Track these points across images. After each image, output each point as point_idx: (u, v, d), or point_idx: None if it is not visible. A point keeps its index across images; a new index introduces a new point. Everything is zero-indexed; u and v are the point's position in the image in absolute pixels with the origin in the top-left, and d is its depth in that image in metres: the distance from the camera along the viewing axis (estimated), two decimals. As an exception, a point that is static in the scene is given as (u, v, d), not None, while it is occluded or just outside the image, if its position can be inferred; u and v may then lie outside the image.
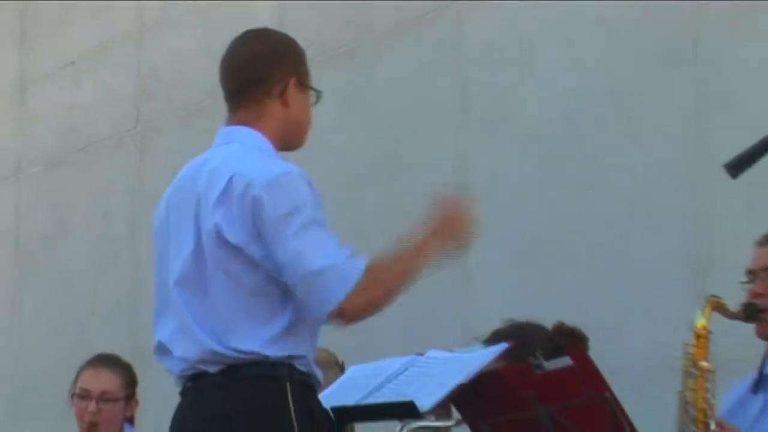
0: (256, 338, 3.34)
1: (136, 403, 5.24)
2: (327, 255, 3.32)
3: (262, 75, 3.56)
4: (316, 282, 3.29)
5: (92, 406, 5.03)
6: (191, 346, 3.40)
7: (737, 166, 2.76)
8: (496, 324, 4.77)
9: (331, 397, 3.54)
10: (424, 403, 3.43)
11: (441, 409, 4.24)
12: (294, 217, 3.33)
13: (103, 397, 5.05)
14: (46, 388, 8.62)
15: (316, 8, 7.55)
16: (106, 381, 5.07)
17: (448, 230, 3.49)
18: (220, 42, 3.90)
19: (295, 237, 3.32)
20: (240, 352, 3.34)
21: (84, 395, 5.08)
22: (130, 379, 5.20)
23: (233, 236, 3.33)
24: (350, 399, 3.56)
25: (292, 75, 3.57)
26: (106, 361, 5.22)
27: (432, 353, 3.72)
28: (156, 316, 3.57)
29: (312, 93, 3.64)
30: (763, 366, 3.68)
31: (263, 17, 6.36)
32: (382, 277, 3.37)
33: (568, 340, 4.28)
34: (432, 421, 4.17)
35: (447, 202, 3.53)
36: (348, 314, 3.33)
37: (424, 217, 3.52)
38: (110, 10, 9.39)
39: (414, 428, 4.19)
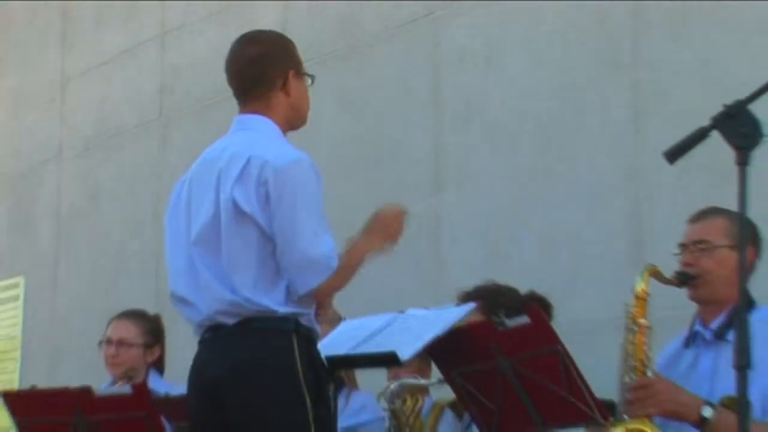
0: (268, 295, 3.32)
1: (158, 351, 5.21)
2: (320, 245, 3.33)
3: (261, 75, 3.54)
4: (306, 267, 3.31)
5: (111, 350, 5.04)
6: (212, 300, 3.38)
7: (674, 154, 2.74)
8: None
9: (326, 347, 3.51)
10: (405, 353, 3.41)
11: (421, 362, 4.23)
12: (298, 202, 3.33)
13: (120, 343, 5.05)
14: (82, 338, 8.62)
15: (314, 17, 7.56)
16: (124, 330, 5.09)
17: (383, 233, 3.46)
18: (231, 45, 3.87)
19: (297, 220, 3.32)
20: (254, 304, 3.31)
21: (107, 341, 5.09)
22: (149, 329, 5.18)
23: (248, 206, 3.31)
24: (342, 349, 3.55)
25: (290, 68, 3.55)
26: (128, 314, 5.24)
27: (411, 311, 3.71)
28: (173, 272, 3.54)
29: (307, 77, 3.61)
30: (693, 324, 3.67)
31: (268, 25, 6.29)
32: (342, 271, 3.38)
33: (532, 300, 4.27)
34: (416, 379, 4.17)
35: (383, 212, 3.53)
36: (318, 295, 3.38)
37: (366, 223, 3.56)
38: (137, 17, 9.43)
39: (400, 385, 4.19)
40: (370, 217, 3.57)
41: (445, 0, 7.19)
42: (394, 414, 4.21)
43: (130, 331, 5.09)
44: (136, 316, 5.23)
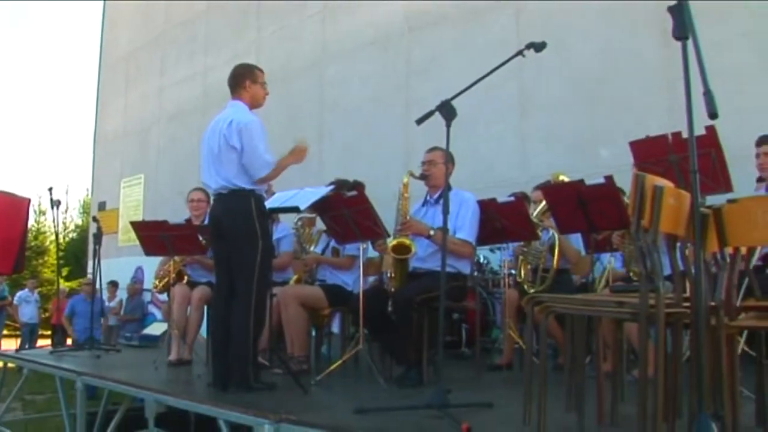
0: (241, 182, 3.14)
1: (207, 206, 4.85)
2: (266, 157, 3.12)
3: (236, 82, 3.29)
4: (258, 167, 3.10)
5: (195, 203, 4.59)
6: (215, 183, 3.19)
7: (420, 121, 2.69)
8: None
9: (268, 203, 3.36)
10: (302, 206, 3.32)
11: (310, 210, 4.11)
12: (254, 138, 3.12)
13: (200, 200, 4.67)
14: (168, 204, 8.49)
15: (265, 60, 7.33)
16: (199, 195, 4.67)
17: (297, 156, 3.27)
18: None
19: (254, 146, 3.12)
20: (234, 185, 3.14)
21: (191, 201, 4.67)
22: (207, 197, 4.78)
23: (233, 142, 3.12)
24: (274, 204, 3.41)
25: (248, 78, 3.29)
26: (197, 189, 4.78)
27: (306, 189, 3.57)
28: (202, 170, 3.32)
29: (262, 84, 3.36)
30: (426, 197, 3.64)
31: (252, 60, 6.03)
32: (275, 169, 3.17)
33: (357, 184, 4.20)
34: (303, 215, 4.04)
35: (297, 146, 3.30)
36: (260, 181, 3.15)
37: (290, 150, 3.29)
38: (209, 55, 9.08)
39: (301, 217, 4.08)
40: (291, 148, 3.37)
41: (325, 51, 7.11)
42: (296, 230, 4.13)
43: (200, 195, 4.71)
44: (201, 189, 4.82)
